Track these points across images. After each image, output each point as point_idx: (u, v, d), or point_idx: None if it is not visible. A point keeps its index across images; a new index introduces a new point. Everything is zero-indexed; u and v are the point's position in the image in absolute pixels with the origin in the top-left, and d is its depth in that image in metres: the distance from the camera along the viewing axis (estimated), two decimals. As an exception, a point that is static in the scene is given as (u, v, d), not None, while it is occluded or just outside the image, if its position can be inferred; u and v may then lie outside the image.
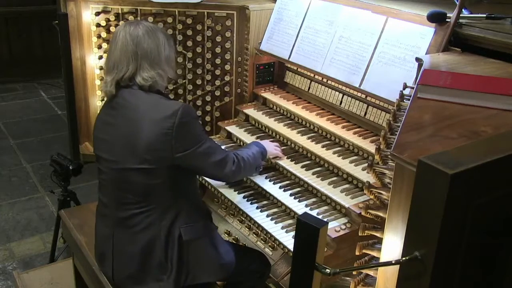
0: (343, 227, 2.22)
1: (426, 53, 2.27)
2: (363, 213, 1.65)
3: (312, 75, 2.94)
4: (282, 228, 2.36)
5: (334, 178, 2.47)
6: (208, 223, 2.23)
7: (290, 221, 2.41)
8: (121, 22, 3.39)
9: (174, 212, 2.05)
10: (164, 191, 2.03)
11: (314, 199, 2.44)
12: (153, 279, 2.06)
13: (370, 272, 1.58)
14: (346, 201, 2.30)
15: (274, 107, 3.05)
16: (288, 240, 2.29)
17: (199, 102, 3.39)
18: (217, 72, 3.31)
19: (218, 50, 3.25)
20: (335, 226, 2.21)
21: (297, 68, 3.03)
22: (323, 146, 2.61)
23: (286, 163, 2.60)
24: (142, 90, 2.02)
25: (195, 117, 2.05)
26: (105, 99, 2.19)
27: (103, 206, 2.18)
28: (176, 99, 3.31)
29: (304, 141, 2.68)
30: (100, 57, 3.54)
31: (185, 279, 2.08)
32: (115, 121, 2.06)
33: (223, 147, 2.89)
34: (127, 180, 2.02)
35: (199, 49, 3.28)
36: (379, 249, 1.45)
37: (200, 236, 2.12)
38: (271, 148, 2.58)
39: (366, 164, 2.38)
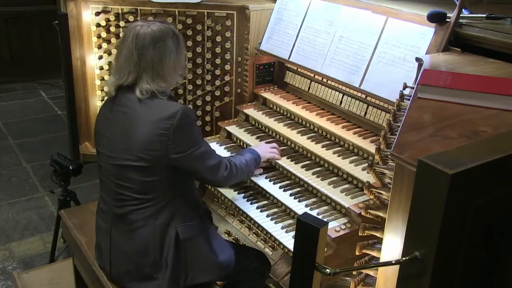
0: (343, 227, 2.21)
1: (426, 53, 2.27)
2: (363, 213, 1.65)
3: (312, 75, 2.94)
4: (282, 228, 2.36)
5: (334, 178, 2.47)
6: (205, 222, 2.23)
7: (290, 221, 2.41)
8: (122, 23, 3.39)
9: (170, 211, 2.06)
10: (160, 189, 2.04)
11: (314, 199, 2.44)
12: (148, 277, 2.07)
13: (370, 272, 1.58)
14: (346, 201, 2.30)
15: (274, 107, 3.05)
16: (288, 240, 2.29)
17: (199, 102, 3.40)
18: (217, 72, 3.31)
19: (218, 50, 3.25)
20: (335, 226, 2.21)
21: (297, 68, 3.03)
22: (323, 146, 2.61)
23: (286, 163, 2.60)
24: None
25: (194, 120, 2.05)
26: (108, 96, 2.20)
27: (102, 201, 2.19)
28: (176, 99, 3.32)
29: (304, 141, 2.68)
30: (100, 57, 3.54)
31: (184, 279, 2.08)
32: (115, 117, 2.07)
33: (223, 147, 2.89)
34: (124, 176, 2.03)
35: (199, 49, 3.29)
36: (379, 249, 1.45)
37: (197, 234, 2.13)
38: (266, 152, 2.57)
39: (366, 164, 2.38)
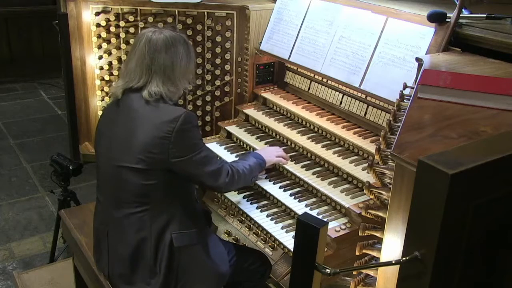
0: (343, 227, 2.22)
1: (426, 53, 2.27)
2: (363, 213, 1.64)
3: (312, 75, 2.94)
4: (282, 228, 2.36)
5: (334, 178, 2.47)
6: (204, 230, 2.20)
7: (290, 221, 2.41)
8: (122, 23, 3.39)
9: (167, 216, 2.05)
10: (158, 193, 2.03)
11: (314, 199, 2.44)
12: (142, 281, 2.06)
13: (370, 272, 1.57)
14: (346, 201, 2.30)
15: (274, 107, 3.05)
16: (288, 240, 2.29)
17: (199, 102, 3.40)
18: (217, 72, 3.31)
19: (218, 50, 3.25)
20: (335, 226, 2.21)
21: (297, 68, 3.03)
22: (323, 146, 2.61)
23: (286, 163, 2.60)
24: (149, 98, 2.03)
25: (196, 125, 2.05)
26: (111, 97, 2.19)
27: (99, 203, 2.19)
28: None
29: (304, 141, 2.68)
30: (100, 57, 3.54)
31: (174, 286, 2.07)
32: (117, 118, 2.07)
33: (223, 147, 2.89)
34: (122, 178, 2.03)
35: (199, 49, 3.28)
36: (379, 249, 1.45)
37: (193, 244, 2.11)
38: (272, 156, 2.53)
39: (366, 164, 2.38)
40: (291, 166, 2.57)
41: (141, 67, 2.03)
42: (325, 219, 2.21)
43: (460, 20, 2.26)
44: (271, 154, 2.54)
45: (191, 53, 2.14)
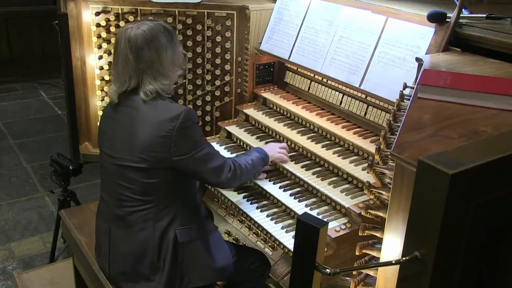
0: (343, 227, 2.22)
1: (426, 53, 2.27)
2: (363, 213, 1.64)
3: (312, 75, 2.94)
4: (282, 228, 2.36)
5: (334, 178, 2.47)
6: (206, 225, 2.21)
7: (290, 221, 2.41)
8: (122, 23, 3.39)
9: (170, 213, 2.05)
10: (161, 191, 2.03)
11: (314, 199, 2.44)
12: (145, 278, 2.07)
13: (370, 272, 1.58)
14: (346, 201, 2.30)
15: (274, 107, 3.05)
16: (288, 240, 2.29)
17: (199, 102, 3.40)
18: (217, 72, 3.31)
19: (218, 50, 3.25)
20: (335, 226, 2.21)
21: (297, 68, 3.03)
22: (323, 146, 2.61)
23: (286, 163, 2.60)
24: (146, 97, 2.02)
25: (196, 122, 2.05)
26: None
27: (102, 201, 2.19)
28: (176, 99, 3.31)
29: (304, 141, 2.68)
30: (100, 57, 3.54)
31: (179, 282, 2.08)
32: (118, 117, 2.08)
33: (223, 147, 2.89)
34: (125, 176, 2.03)
35: (199, 49, 3.29)
36: (379, 249, 1.45)
37: (196, 238, 2.12)
38: (274, 151, 2.54)
39: (366, 164, 2.38)
40: (291, 166, 2.57)
41: (127, 69, 1.99)
42: (325, 219, 2.21)
43: (460, 20, 2.26)
44: (274, 149, 2.56)
45: (174, 39, 2.07)
